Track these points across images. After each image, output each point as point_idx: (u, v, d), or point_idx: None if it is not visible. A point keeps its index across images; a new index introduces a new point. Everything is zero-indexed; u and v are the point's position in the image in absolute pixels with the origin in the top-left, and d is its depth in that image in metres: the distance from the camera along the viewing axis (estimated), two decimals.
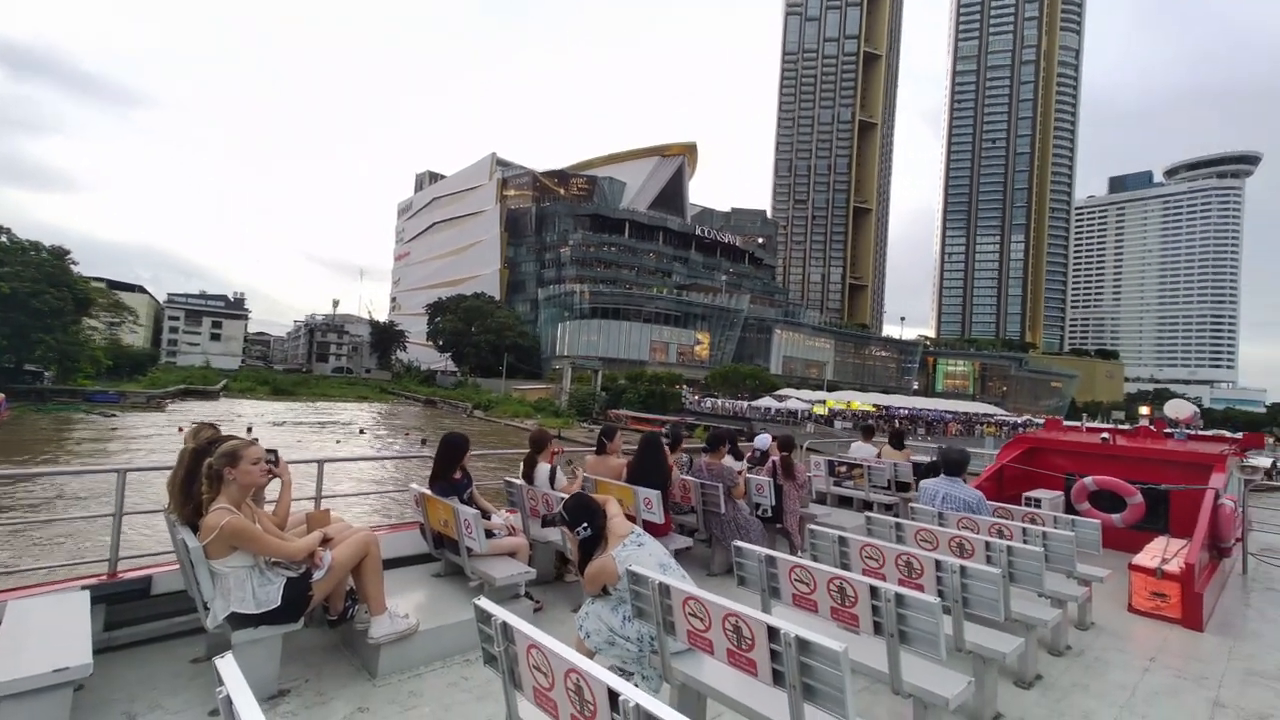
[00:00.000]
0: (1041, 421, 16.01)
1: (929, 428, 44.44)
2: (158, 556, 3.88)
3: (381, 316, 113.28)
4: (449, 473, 4.30)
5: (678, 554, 5.38)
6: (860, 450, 8.62)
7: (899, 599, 2.51)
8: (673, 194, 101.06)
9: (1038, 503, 6.54)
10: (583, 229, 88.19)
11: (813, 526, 3.84)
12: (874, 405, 50.59)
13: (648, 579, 2.52)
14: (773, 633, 2.04)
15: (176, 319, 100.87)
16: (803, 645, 1.97)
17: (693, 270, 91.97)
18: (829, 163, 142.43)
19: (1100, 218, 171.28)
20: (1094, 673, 3.86)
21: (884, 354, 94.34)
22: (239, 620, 2.84)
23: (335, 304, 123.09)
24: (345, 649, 3.47)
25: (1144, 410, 10.18)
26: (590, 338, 74.04)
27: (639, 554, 2.94)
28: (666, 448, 5.62)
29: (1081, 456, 7.77)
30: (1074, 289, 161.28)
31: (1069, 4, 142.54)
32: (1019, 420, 54.40)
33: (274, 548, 2.94)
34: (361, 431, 36.17)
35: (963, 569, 3.11)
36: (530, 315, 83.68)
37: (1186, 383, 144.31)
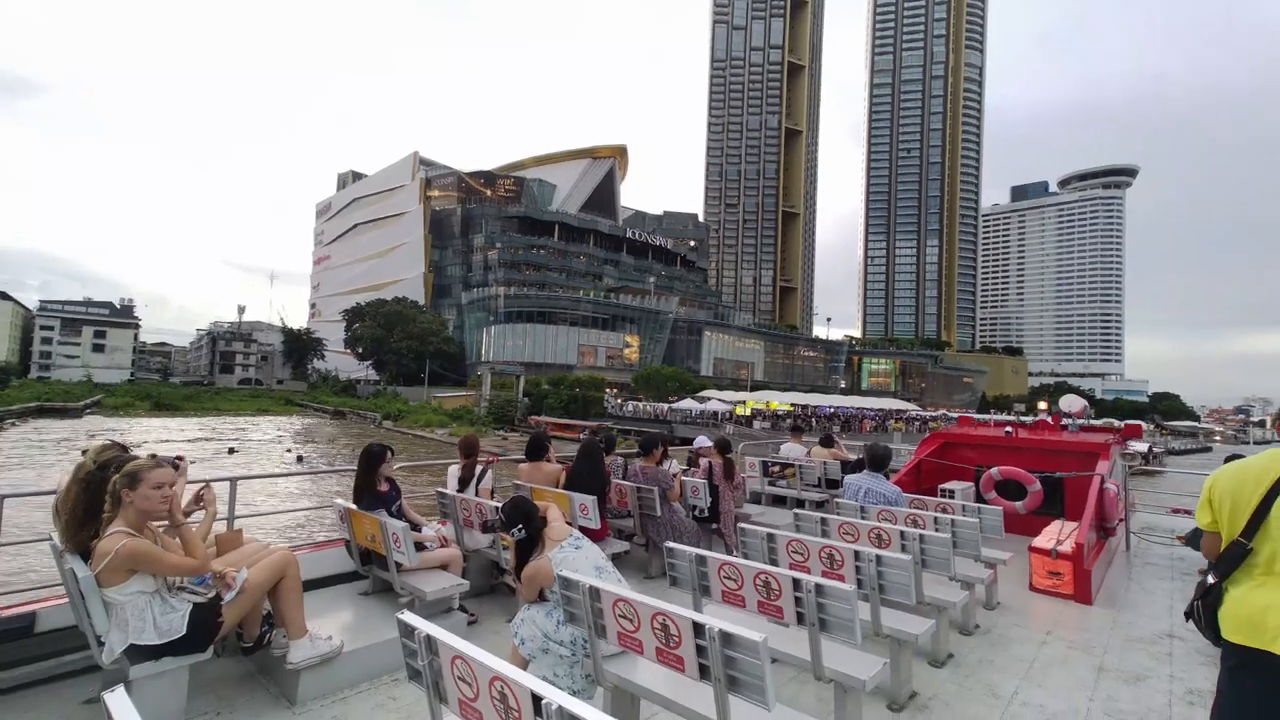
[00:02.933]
0: (954, 416, 17.17)
1: (845, 425, 46.54)
2: (40, 591, 3.53)
3: (300, 323, 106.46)
4: (371, 485, 4.13)
5: (616, 558, 5.41)
6: (791, 450, 8.94)
7: (819, 589, 2.64)
8: (604, 196, 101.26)
9: (951, 494, 7.02)
10: (511, 231, 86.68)
11: (743, 525, 3.96)
12: (792, 404, 52.45)
13: (578, 583, 2.54)
14: (698, 629, 2.10)
15: (50, 329, 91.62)
16: (726, 639, 2.04)
17: (624, 273, 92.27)
18: (758, 168, 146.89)
19: (1004, 224, 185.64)
20: (999, 648, 4.18)
21: (812, 354, 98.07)
22: (138, 653, 2.61)
23: (241, 310, 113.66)
24: (262, 677, 3.27)
25: (1042, 405, 11.06)
26: (515, 342, 72.91)
27: (575, 557, 2.95)
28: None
29: (989, 449, 8.36)
30: (983, 290, 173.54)
31: (972, 24, 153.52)
32: (930, 415, 57.88)
33: (176, 565, 2.72)
34: (231, 451, 31.92)
35: (879, 558, 3.30)
36: (457, 321, 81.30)
37: (1081, 376, 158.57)
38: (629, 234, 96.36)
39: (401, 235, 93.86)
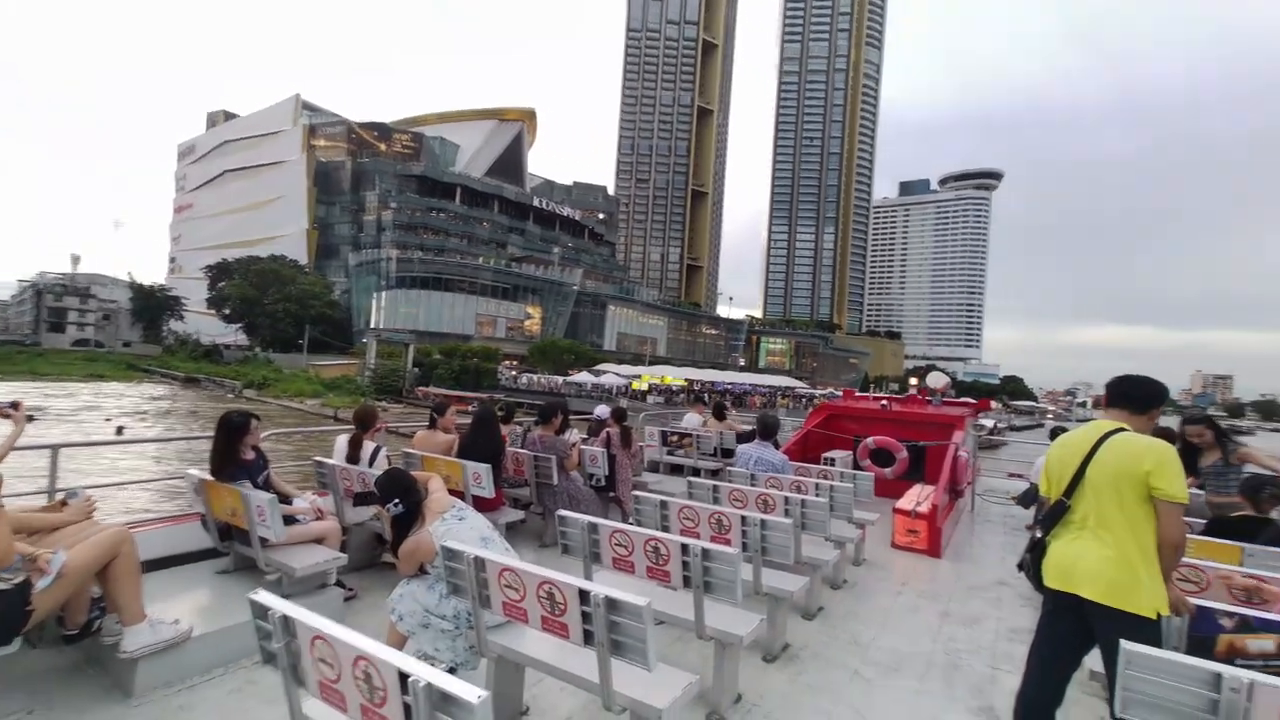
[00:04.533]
0: (839, 393, 18.55)
1: (736, 400, 48.81)
2: None
3: (157, 279, 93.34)
4: (233, 455, 3.74)
5: (511, 527, 5.33)
6: (690, 421, 9.24)
7: (705, 554, 2.74)
8: (511, 161, 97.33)
9: (832, 461, 7.58)
10: (409, 191, 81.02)
11: (638, 493, 4.03)
12: (687, 380, 54.26)
13: (462, 553, 2.45)
14: (584, 595, 2.12)
15: None
16: (611, 604, 2.08)
17: (530, 242, 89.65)
18: (670, 144, 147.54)
19: (892, 217, 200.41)
20: (863, 600, 4.58)
21: (714, 332, 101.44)
22: None
23: (75, 260, 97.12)
24: (90, 668, 2.88)
25: (913, 381, 12.17)
26: (409, 309, 69.02)
27: (459, 528, 2.84)
28: (499, 421, 5.53)
29: (867, 421, 9.12)
30: (871, 278, 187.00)
31: (873, 22, 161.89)
32: (817, 392, 62.16)
33: None
34: (120, 431, 26.49)
35: (763, 522, 3.49)
36: (346, 284, 75.35)
37: (948, 359, 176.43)
38: (536, 202, 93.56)
39: (280, 186, 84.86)
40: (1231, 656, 2.38)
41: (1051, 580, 2.55)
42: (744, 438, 8.39)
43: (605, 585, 2.15)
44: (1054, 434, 5.28)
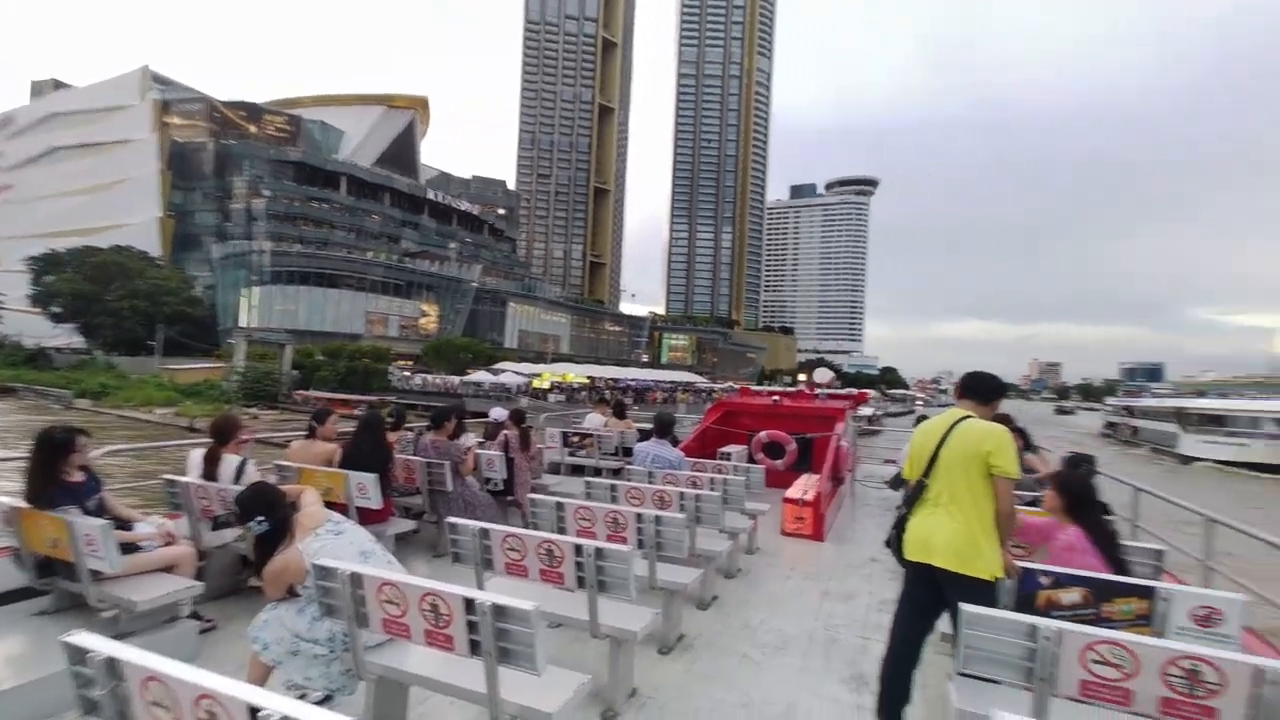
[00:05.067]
0: (737, 387, 19.41)
1: (638, 396, 49.34)
2: None
3: None
4: (55, 477, 3.24)
5: (403, 538, 5.06)
6: (592, 421, 9.23)
7: (599, 553, 2.75)
8: (403, 151, 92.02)
9: (728, 456, 7.89)
10: (286, 178, 73.76)
11: (533, 496, 3.97)
12: (589, 377, 54.24)
13: (337, 571, 2.28)
14: (470, 604, 2.05)
15: None
16: (499, 611, 2.03)
17: (425, 237, 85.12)
18: (571, 140, 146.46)
19: (784, 218, 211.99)
20: (754, 586, 4.81)
21: (617, 329, 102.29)
22: None
23: None
24: None
25: (801, 377, 12.96)
26: (286, 307, 63.31)
27: (335, 544, 2.65)
28: (387, 428, 5.24)
29: (760, 416, 9.57)
30: (766, 276, 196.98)
31: (763, 31, 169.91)
32: (716, 386, 64.55)
33: None
34: None
35: (658, 518, 3.56)
36: (211, 278, 67.58)
37: (835, 353, 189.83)
38: (432, 195, 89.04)
39: (126, 168, 74.35)
40: (1049, 609, 2.75)
41: (910, 553, 2.82)
42: (646, 436, 8.55)
43: (496, 592, 2.11)
44: (918, 422, 5.87)
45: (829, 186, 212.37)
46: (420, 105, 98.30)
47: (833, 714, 2.98)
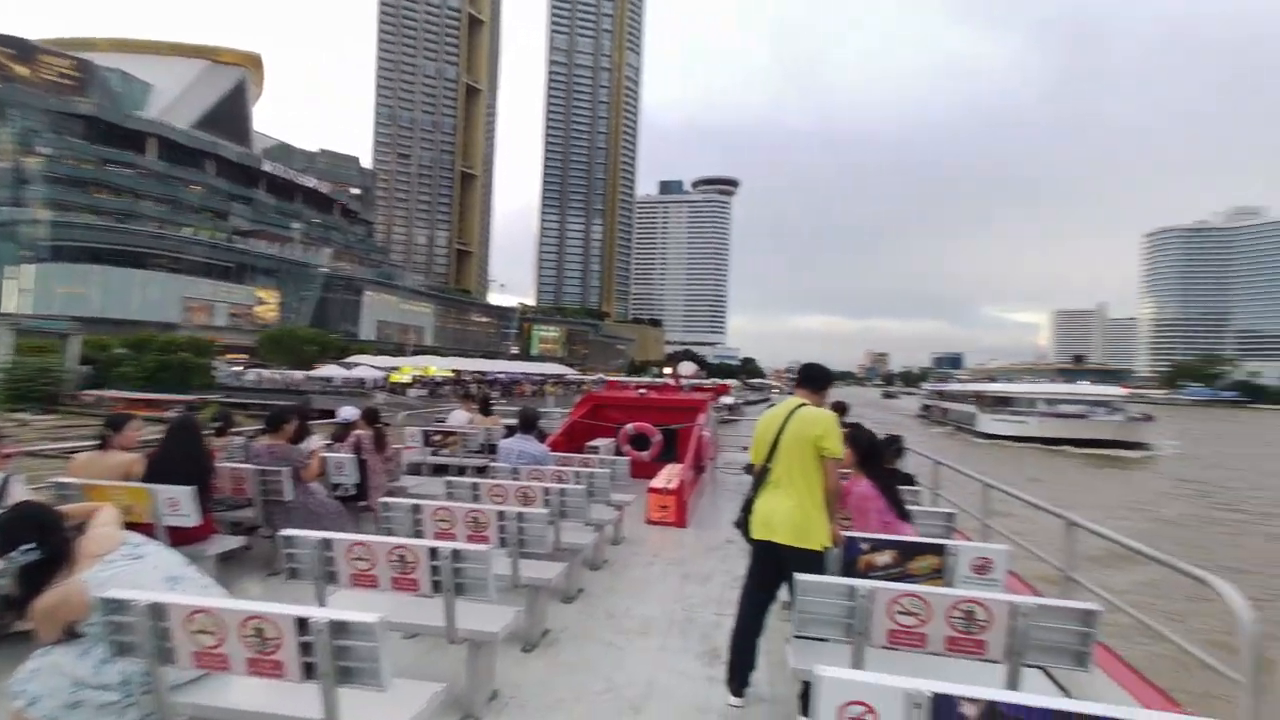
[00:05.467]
0: (607, 379, 19.68)
1: (505, 390, 47.91)
2: None
3: None
4: None
5: (230, 557, 4.48)
6: (456, 417, 8.85)
7: (456, 554, 2.65)
8: (231, 115, 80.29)
9: (596, 449, 7.98)
10: (72, 135, 61.44)
11: (385, 500, 3.73)
12: (454, 370, 51.85)
13: (132, 602, 1.97)
14: (302, 624, 1.87)
15: None
16: (338, 628, 1.87)
17: (261, 214, 75.43)
18: (435, 120, 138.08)
19: (654, 212, 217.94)
20: (619, 576, 4.94)
21: (485, 320, 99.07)
22: None
23: None
24: None
25: (666, 370, 13.47)
26: (73, 290, 53.78)
27: (132, 570, 2.27)
28: (210, 432, 4.60)
29: (627, 408, 9.80)
30: (636, 268, 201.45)
31: (631, 28, 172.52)
32: (587, 378, 64.97)
33: None
34: None
35: (521, 515, 3.52)
36: None
37: (700, 344, 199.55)
38: (269, 167, 79.12)
39: None
40: (868, 571, 3.14)
41: (756, 533, 3.07)
42: (513, 432, 8.38)
43: (341, 607, 1.95)
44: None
45: (695, 185, 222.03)
46: (252, 63, 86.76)
47: (688, 687, 3.16)
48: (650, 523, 6.62)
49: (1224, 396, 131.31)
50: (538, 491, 4.33)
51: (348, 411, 6.52)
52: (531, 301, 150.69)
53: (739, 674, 3.00)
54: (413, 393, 43.20)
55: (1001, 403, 42.60)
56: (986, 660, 2.36)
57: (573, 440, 8.98)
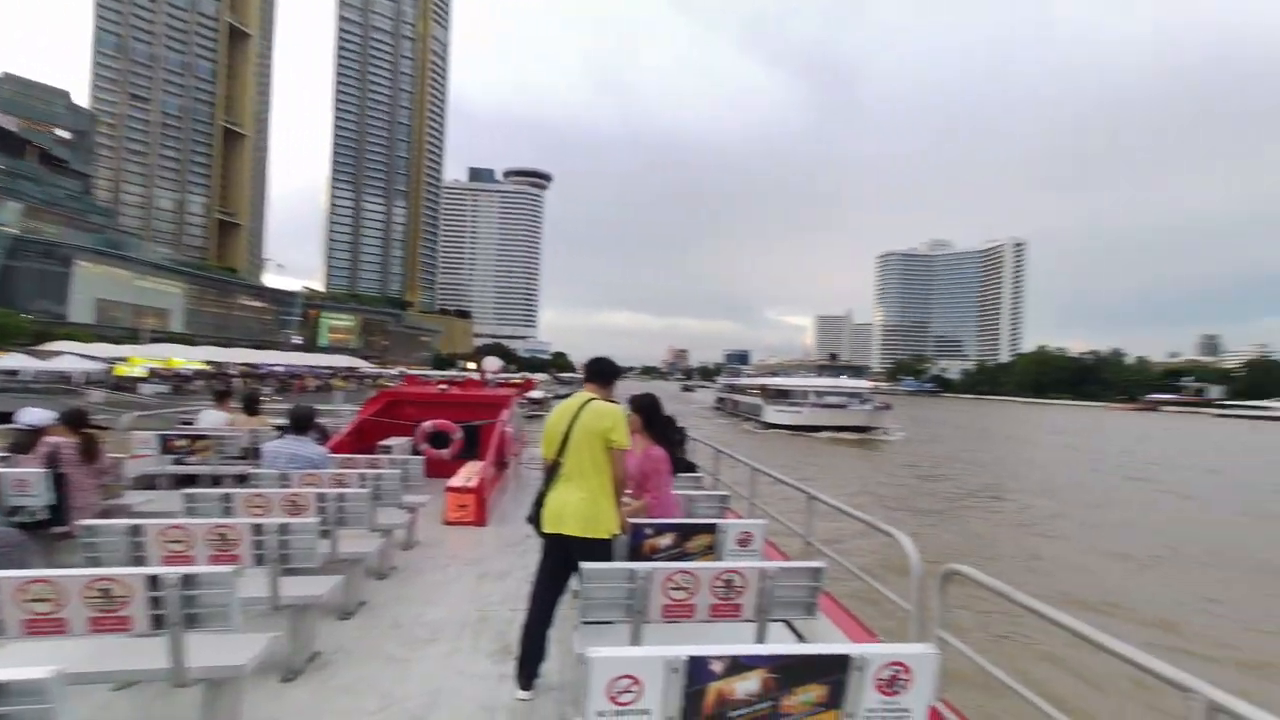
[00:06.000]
0: (409, 371, 18.28)
1: (282, 385, 41.65)
2: None
3: None
4: None
5: None
6: (209, 419, 7.46)
7: (186, 580, 2.24)
8: None
9: (389, 449, 7.41)
10: None
11: (90, 522, 3.00)
12: (207, 362, 44.12)
13: None
14: None
15: None
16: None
17: None
18: (186, 61, 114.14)
19: (462, 199, 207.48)
20: (410, 582, 4.64)
21: (259, 304, 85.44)
22: None
23: None
24: None
25: (470, 365, 13.03)
26: None
27: None
28: None
29: (427, 405, 9.24)
30: (444, 257, 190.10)
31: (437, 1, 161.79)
32: (386, 371, 59.84)
33: None
34: None
35: (283, 527, 3.10)
36: None
37: (511, 337, 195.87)
38: None
39: None
40: (653, 554, 3.39)
41: (547, 526, 3.11)
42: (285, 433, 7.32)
43: (6, 664, 1.49)
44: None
45: (507, 175, 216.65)
46: None
47: (476, 688, 3.09)
48: (449, 523, 6.34)
49: (926, 388, 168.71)
50: (310, 499, 3.86)
51: (33, 415, 5.06)
52: (320, 286, 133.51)
53: (527, 667, 3.03)
54: (148, 388, 35.35)
55: (781, 395, 48.17)
56: (743, 621, 2.71)
57: (363, 440, 8.28)
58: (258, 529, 3.06)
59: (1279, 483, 26.06)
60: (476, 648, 3.56)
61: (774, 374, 61.29)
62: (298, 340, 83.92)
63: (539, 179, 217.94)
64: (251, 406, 7.43)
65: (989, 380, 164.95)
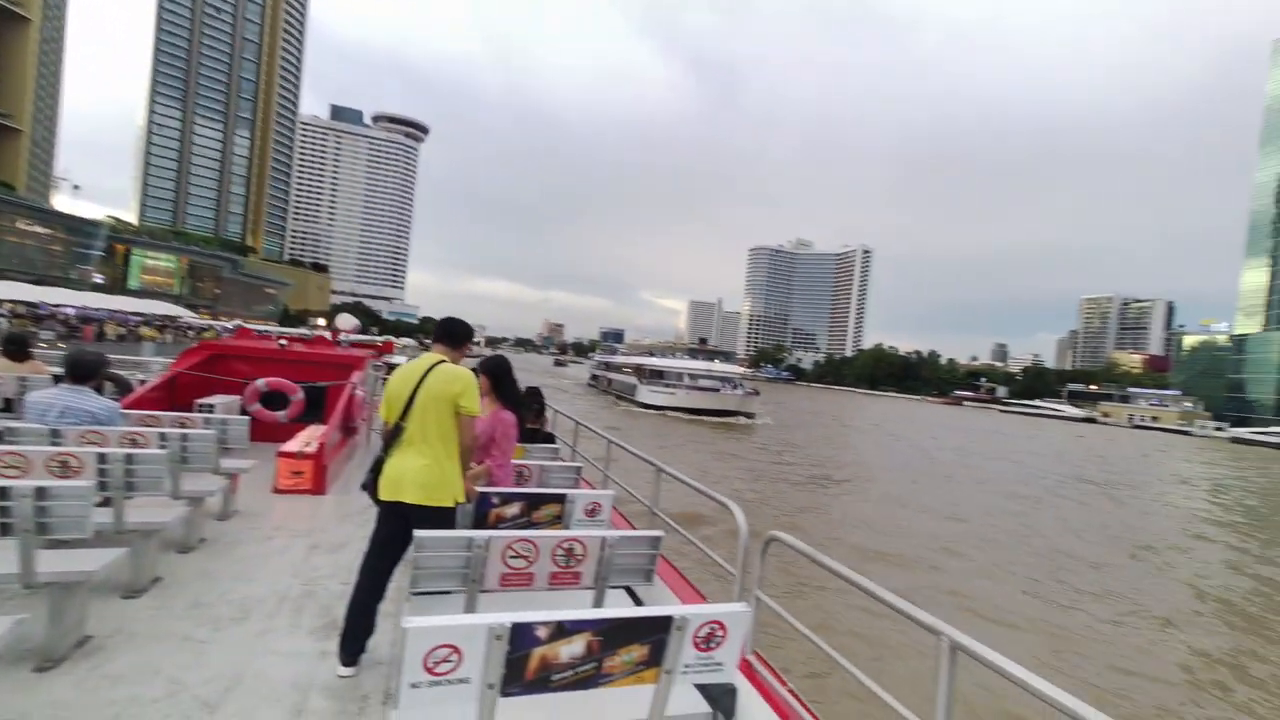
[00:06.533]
0: (247, 325, 16.24)
1: (70, 330, 34.25)
2: None
3: None
4: None
5: None
6: None
7: None
8: None
9: (211, 408, 6.59)
10: None
11: None
12: None
13: None
14: None
15: None
16: None
17: None
18: None
19: (323, 139, 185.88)
20: (221, 556, 4.13)
21: (43, 230, 70.52)
22: None
23: None
24: None
25: (320, 322, 11.82)
26: None
27: None
28: None
29: (262, 362, 8.30)
30: (297, 202, 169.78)
31: None
32: (215, 324, 52.62)
33: None
34: None
35: (40, 491, 2.60)
36: None
37: (375, 298, 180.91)
38: None
39: None
40: (498, 523, 3.32)
41: (384, 494, 2.91)
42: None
43: None
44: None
45: (377, 120, 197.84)
46: None
47: (290, 668, 2.83)
48: (280, 491, 5.76)
49: (783, 376, 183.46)
50: (88, 460, 3.28)
51: None
52: (132, 218, 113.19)
53: (351, 642, 2.83)
54: None
55: (657, 375, 48.29)
56: (582, 588, 2.75)
57: (176, 396, 7.29)
58: (3, 493, 2.53)
59: (1015, 459, 32.05)
60: (297, 625, 3.26)
61: (650, 354, 60.44)
62: (99, 279, 70.60)
63: (414, 129, 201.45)
64: (15, 350, 6.09)
65: (834, 372, 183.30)
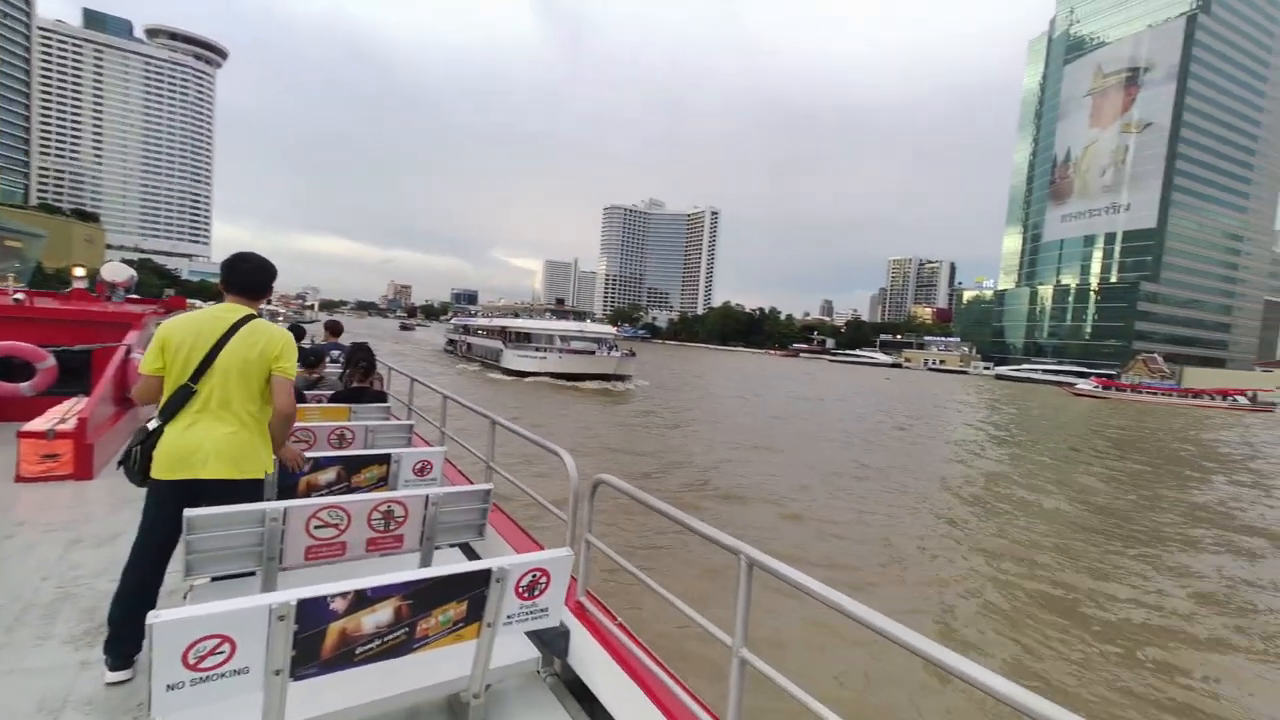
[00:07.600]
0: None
1: None
2: None
3: None
4: None
5: None
6: None
7: None
8: None
9: None
10: None
11: None
12: None
13: None
14: None
15: None
16: None
17: None
18: None
19: (77, 54, 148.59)
20: None
21: None
22: None
23: None
24: None
25: (78, 273, 9.72)
26: None
27: None
28: None
29: None
30: (44, 133, 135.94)
31: None
32: None
33: None
34: None
35: None
36: None
37: (169, 254, 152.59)
38: None
39: None
40: (310, 491, 2.99)
41: (170, 470, 2.43)
42: None
43: None
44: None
45: (153, 33, 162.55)
46: None
47: (37, 686, 2.34)
48: (25, 479, 4.70)
49: (640, 334, 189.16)
50: None
51: None
52: None
53: (120, 644, 2.40)
54: None
55: (524, 339, 43.88)
56: (406, 551, 2.58)
57: None
58: None
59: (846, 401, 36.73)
60: (47, 635, 2.70)
61: (515, 315, 55.84)
62: None
63: (206, 50, 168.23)
64: None
65: (688, 329, 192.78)
